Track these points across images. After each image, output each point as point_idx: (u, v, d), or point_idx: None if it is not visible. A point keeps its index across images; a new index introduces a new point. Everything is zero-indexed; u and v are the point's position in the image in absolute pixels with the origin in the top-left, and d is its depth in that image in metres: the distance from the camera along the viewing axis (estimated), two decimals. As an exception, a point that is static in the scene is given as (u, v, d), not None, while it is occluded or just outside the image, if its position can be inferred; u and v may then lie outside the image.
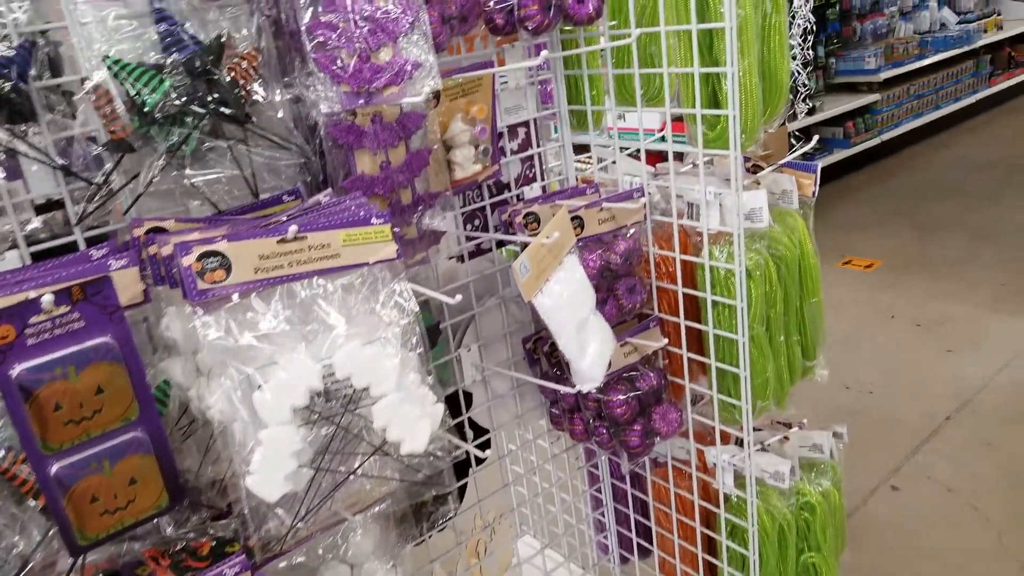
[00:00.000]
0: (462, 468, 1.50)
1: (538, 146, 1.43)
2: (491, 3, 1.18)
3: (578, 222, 1.25)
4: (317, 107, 0.94)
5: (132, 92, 0.88)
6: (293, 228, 0.82)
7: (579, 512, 1.88)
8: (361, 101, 0.93)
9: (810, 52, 5.04)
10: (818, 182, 1.28)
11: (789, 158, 1.31)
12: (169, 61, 0.87)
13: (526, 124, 1.41)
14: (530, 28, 1.18)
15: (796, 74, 4.97)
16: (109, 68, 0.87)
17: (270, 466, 0.82)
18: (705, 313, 1.31)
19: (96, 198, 0.95)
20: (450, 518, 1.44)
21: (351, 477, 0.89)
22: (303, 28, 0.92)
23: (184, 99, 0.88)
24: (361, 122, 0.99)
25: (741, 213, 1.20)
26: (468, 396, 1.50)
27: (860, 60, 5.47)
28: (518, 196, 1.43)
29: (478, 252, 1.42)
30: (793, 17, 4.72)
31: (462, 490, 1.56)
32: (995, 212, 4.63)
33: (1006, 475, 2.46)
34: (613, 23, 1.28)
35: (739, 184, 1.19)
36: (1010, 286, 3.69)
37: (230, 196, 1.01)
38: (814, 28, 4.99)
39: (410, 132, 1.03)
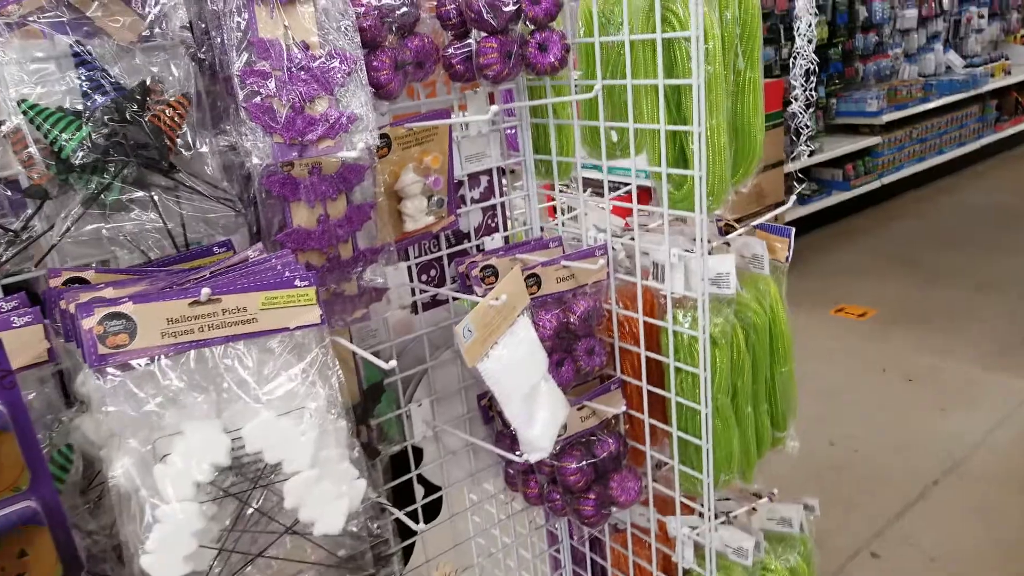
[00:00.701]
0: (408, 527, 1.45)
1: (501, 195, 1.40)
2: (449, 50, 1.15)
3: (535, 280, 1.21)
4: (250, 157, 0.91)
5: (49, 138, 0.84)
6: (206, 291, 0.79)
7: (539, 571, 1.83)
8: (294, 153, 0.90)
9: (813, 93, 5.05)
10: (792, 246, 1.25)
11: (763, 220, 1.28)
12: (88, 107, 0.84)
13: (489, 172, 1.38)
14: (489, 76, 1.16)
15: (799, 115, 4.98)
16: (24, 112, 0.84)
17: (168, 545, 0.77)
18: (668, 378, 1.27)
19: (12, 246, 0.91)
20: (395, 580, 1.39)
21: (261, 557, 0.84)
22: (235, 75, 0.89)
23: (103, 147, 0.84)
24: (298, 174, 0.96)
25: (706, 278, 1.17)
26: (418, 452, 1.46)
27: (862, 102, 5.50)
28: (478, 247, 1.39)
29: (435, 302, 1.39)
30: (795, 57, 4.74)
31: (409, 549, 1.50)
32: (997, 262, 4.62)
33: (994, 545, 2.40)
34: (579, 73, 1.26)
35: (704, 247, 1.16)
36: (1008, 342, 3.66)
37: (159, 246, 0.98)
38: (817, 68, 5.01)
39: (351, 185, 1.00)
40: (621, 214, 1.42)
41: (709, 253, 1.22)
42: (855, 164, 5.52)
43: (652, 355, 1.29)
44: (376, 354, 1.32)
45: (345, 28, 0.88)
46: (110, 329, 0.75)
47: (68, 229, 0.88)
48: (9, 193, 0.93)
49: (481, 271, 1.28)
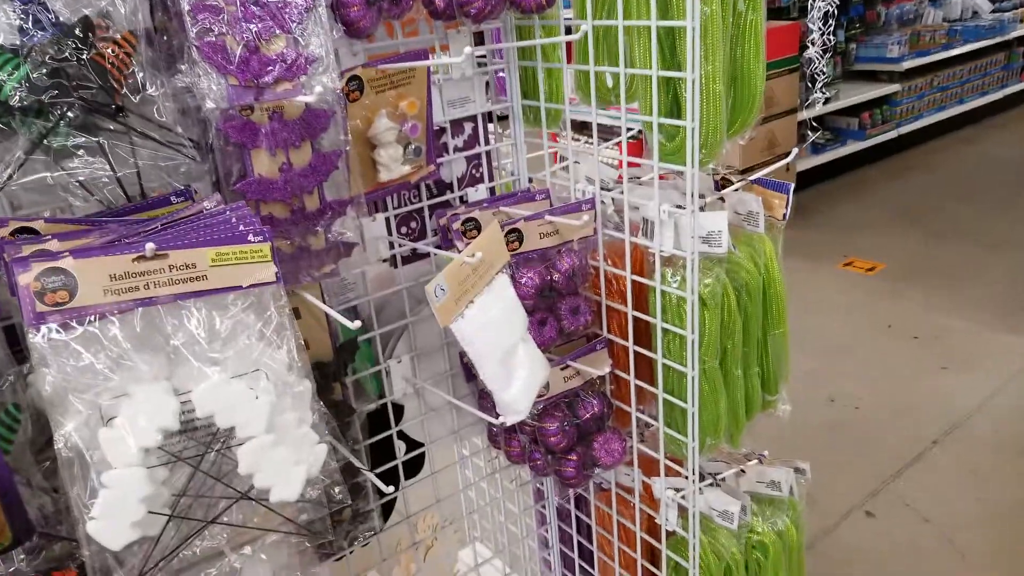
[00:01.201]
0: (393, 478, 1.44)
1: (486, 143, 1.35)
2: (429, -16, 1.08)
3: (516, 236, 1.17)
4: (205, 101, 0.86)
5: (-15, 76, 0.79)
6: (150, 246, 0.74)
7: (525, 525, 1.83)
8: (250, 97, 0.85)
9: (831, 37, 4.90)
10: (790, 203, 1.20)
11: (762, 173, 1.23)
12: (25, 44, 0.79)
13: (473, 119, 1.32)
14: (471, 14, 1.09)
15: (815, 60, 4.83)
16: (-43, 47, 0.79)
17: (114, 511, 0.75)
18: (655, 338, 1.23)
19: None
20: (374, 534, 1.38)
21: (215, 523, 0.82)
22: (185, 10, 0.83)
23: (42, 88, 0.79)
24: (258, 119, 0.91)
25: (696, 236, 1.12)
26: (399, 408, 1.43)
27: (883, 47, 5.33)
28: (461, 198, 1.34)
29: (416, 255, 1.34)
30: (813, -2, 4.57)
31: (390, 506, 1.49)
32: (1013, 219, 4.53)
33: (989, 508, 2.40)
34: (568, 13, 1.19)
35: (695, 203, 1.11)
36: (1018, 302, 3.60)
37: (114, 194, 0.93)
38: (836, 11, 4.85)
39: (316, 131, 0.94)
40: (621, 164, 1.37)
41: (701, 209, 1.17)
42: (872, 112, 5.37)
43: (640, 315, 1.25)
44: (352, 309, 1.29)
45: (304, -40, 0.82)
46: (48, 285, 0.72)
47: (11, 176, 0.83)
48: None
49: (463, 224, 1.23)
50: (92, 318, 0.73)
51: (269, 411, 0.78)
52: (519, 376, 1.07)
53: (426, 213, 1.31)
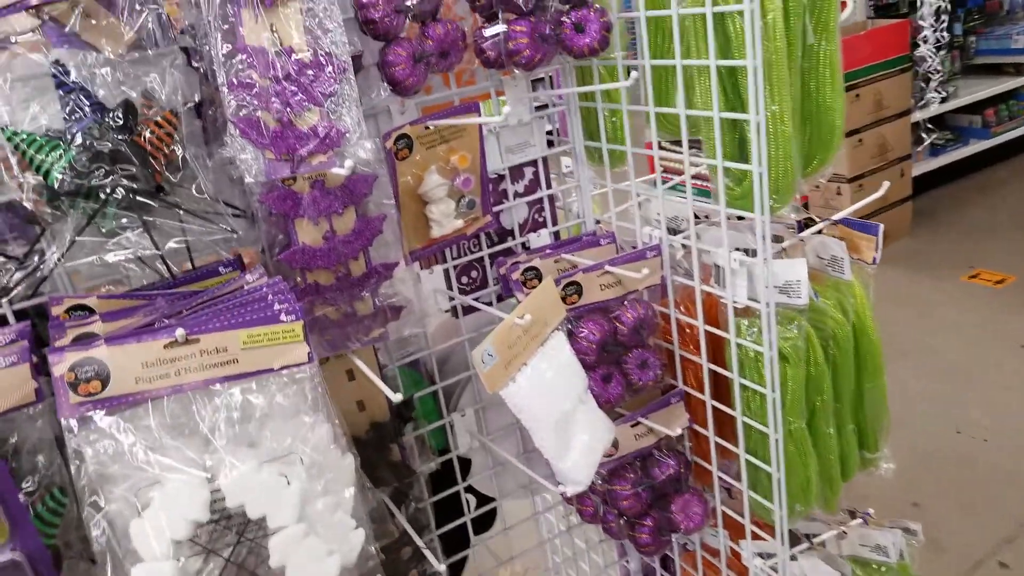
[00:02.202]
0: (462, 536, 1.41)
1: (548, 187, 1.31)
2: (480, 36, 1.06)
3: (575, 288, 1.12)
4: (245, 175, 0.86)
5: (33, 165, 0.82)
6: (180, 332, 0.75)
7: (612, 580, 1.76)
8: (286, 171, 0.84)
9: (944, 34, 4.59)
10: (880, 246, 1.10)
11: (844, 214, 1.13)
12: (68, 131, 0.81)
13: (534, 163, 1.28)
14: (521, 64, 1.06)
15: (928, 59, 4.54)
16: (9, 139, 0.82)
17: (149, 603, 0.75)
18: (733, 394, 1.15)
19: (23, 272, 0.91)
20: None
21: (255, 610, 0.81)
22: (222, 87, 0.83)
23: (84, 173, 0.81)
24: (299, 188, 0.91)
25: (772, 286, 1.04)
26: (466, 461, 1.41)
27: (1006, 38, 4.95)
28: (523, 244, 1.31)
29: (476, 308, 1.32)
30: (924, -8, 4.31)
31: (462, 564, 1.47)
32: None
33: None
34: (624, 53, 1.14)
35: (768, 251, 1.03)
36: None
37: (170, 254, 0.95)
38: (949, 7, 4.55)
39: (359, 197, 0.93)
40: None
41: (779, 255, 1.09)
42: (997, 109, 4.99)
43: (716, 368, 1.17)
44: (414, 364, 1.27)
45: (331, 28, 0.81)
46: (82, 376, 0.73)
47: (61, 257, 0.86)
48: (13, 219, 0.92)
49: (523, 274, 1.20)
50: (125, 407, 0.74)
51: (300, 499, 0.76)
52: (578, 442, 1.02)
53: (487, 261, 1.29)
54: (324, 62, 0.81)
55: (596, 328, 1.12)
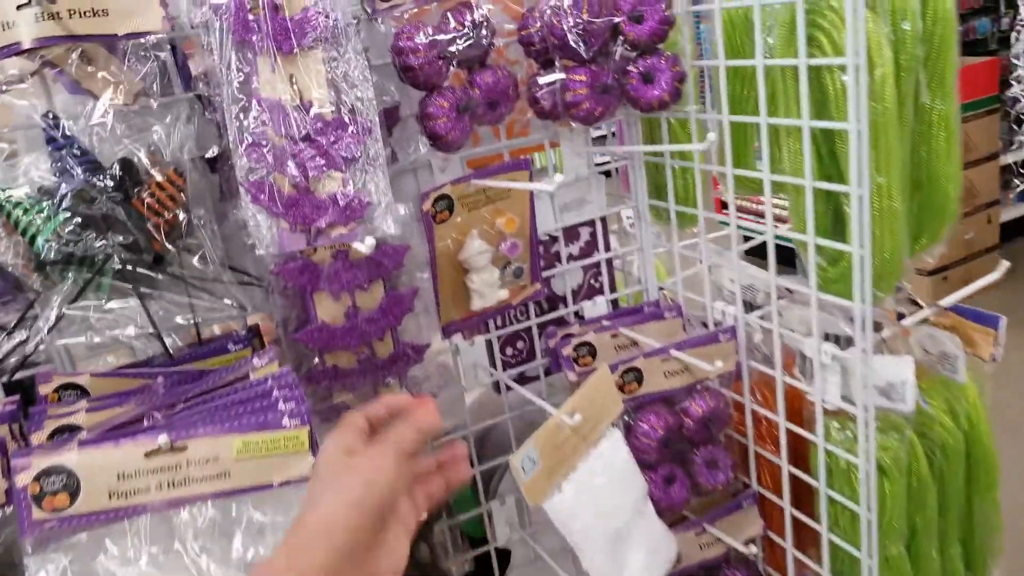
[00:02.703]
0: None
1: (607, 250, 1.18)
2: (534, 84, 0.95)
3: (634, 375, 0.98)
4: (257, 244, 0.75)
5: (19, 228, 0.73)
6: (163, 438, 0.64)
7: None
8: (302, 243, 0.73)
9: (1042, 68, 4.33)
10: (1002, 340, 0.93)
11: (955, 299, 0.97)
12: (56, 193, 0.72)
13: (591, 223, 1.16)
14: (579, 117, 0.94)
15: (1020, 98, 4.29)
16: (-8, 198, 0.73)
17: None
18: (818, 505, 0.99)
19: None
20: None
21: None
22: (233, 145, 0.73)
23: (76, 240, 0.72)
24: (319, 259, 0.80)
25: (871, 387, 0.89)
26: (505, 553, 1.27)
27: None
28: (576, 314, 1.18)
29: (524, 378, 1.19)
30: (1018, 30, 4.07)
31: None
32: None
33: None
34: (699, 107, 1.01)
35: (868, 347, 0.88)
36: None
37: (177, 332, 0.85)
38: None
39: (387, 270, 0.82)
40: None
41: (878, 347, 0.94)
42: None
43: (798, 473, 1.02)
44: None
45: (358, 81, 0.70)
46: (48, 487, 0.63)
47: (50, 330, 0.77)
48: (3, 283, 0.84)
49: (575, 350, 1.07)
50: (96, 525, 0.63)
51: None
52: (634, 562, 0.88)
53: (535, 332, 1.16)
54: (348, 120, 0.70)
55: (659, 422, 0.98)
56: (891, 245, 0.84)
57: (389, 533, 0.59)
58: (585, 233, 1.17)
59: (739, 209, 1.06)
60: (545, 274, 1.13)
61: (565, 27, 0.89)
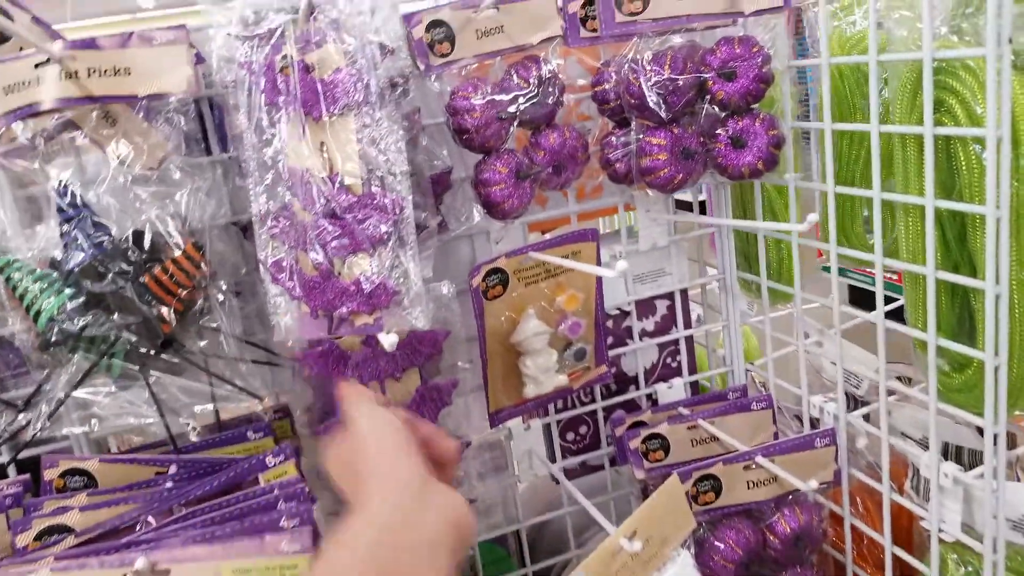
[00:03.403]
0: None
1: (687, 326, 1.05)
2: (608, 145, 0.84)
3: (711, 484, 0.85)
4: (276, 329, 0.67)
5: (25, 303, 0.67)
6: (142, 562, 0.55)
7: None
8: (323, 330, 0.65)
9: None
10: None
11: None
12: (63, 268, 0.66)
13: (669, 296, 1.04)
14: (657, 184, 0.83)
15: None
16: (1, 269, 0.68)
17: None
18: (929, 648, 0.83)
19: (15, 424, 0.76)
20: None
21: None
22: (254, 217, 0.66)
23: (83, 319, 0.65)
24: (348, 344, 0.71)
25: (1002, 520, 0.73)
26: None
27: None
28: (649, 397, 1.05)
29: (586, 467, 1.07)
30: None
31: None
32: None
33: None
34: (801, 175, 0.88)
35: (1001, 470, 0.72)
36: None
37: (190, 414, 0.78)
38: None
39: (423, 358, 0.73)
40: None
41: (1011, 469, 0.78)
42: None
43: (903, 605, 0.86)
44: (499, 537, 1.04)
45: (390, 153, 0.61)
46: (12, 612, 0.55)
47: (52, 415, 0.70)
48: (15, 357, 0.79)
49: (644, 442, 0.95)
50: (64, 657, 0.55)
51: None
52: None
53: (600, 415, 1.04)
54: (378, 197, 0.61)
55: (739, 540, 0.84)
56: (1034, 354, 0.69)
57: None
58: (662, 307, 1.05)
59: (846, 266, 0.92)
60: (614, 352, 1.01)
61: (644, 86, 0.78)
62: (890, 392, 0.86)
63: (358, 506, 0.49)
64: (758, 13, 0.78)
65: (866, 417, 0.94)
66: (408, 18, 0.74)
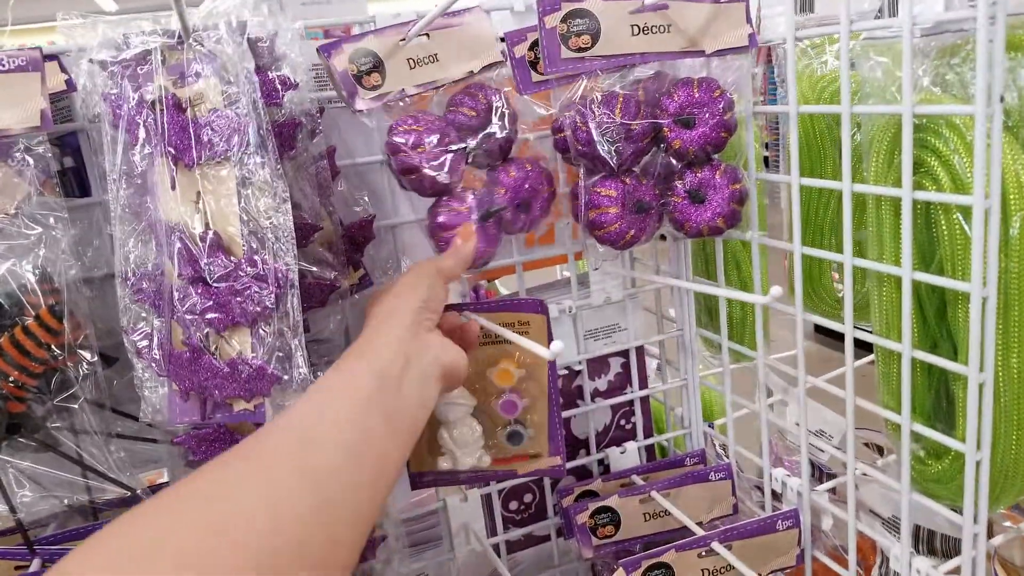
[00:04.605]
0: None
1: (642, 386, 0.96)
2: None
3: (662, 574, 0.76)
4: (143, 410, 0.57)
5: None
6: None
7: None
8: (195, 415, 0.54)
9: None
10: None
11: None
12: None
13: (624, 353, 0.94)
14: (607, 240, 0.73)
15: None
16: None
17: None
18: None
19: None
20: None
21: None
22: (117, 277, 0.55)
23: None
24: (238, 424, 0.61)
25: (982, 630, 0.64)
26: None
27: None
28: (600, 462, 0.96)
29: (530, 539, 0.97)
30: None
31: None
32: None
33: None
34: (763, 233, 0.79)
35: (980, 570, 0.64)
36: None
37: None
38: None
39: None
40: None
41: (989, 567, 0.69)
42: None
43: None
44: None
45: (274, 213, 0.51)
46: None
47: None
48: None
49: (593, 516, 0.86)
50: None
51: None
52: None
53: (546, 484, 0.94)
54: (260, 264, 0.51)
55: (687, 638, 0.75)
56: (1020, 449, 0.60)
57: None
58: (616, 364, 0.95)
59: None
60: (566, 415, 0.92)
61: (593, 131, 0.68)
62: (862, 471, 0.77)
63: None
64: (720, 53, 0.69)
65: (833, 489, 0.86)
66: (327, 49, 0.65)
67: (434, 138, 0.67)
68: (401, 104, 0.69)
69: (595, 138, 0.69)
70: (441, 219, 0.70)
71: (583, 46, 0.69)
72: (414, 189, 0.70)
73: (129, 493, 0.60)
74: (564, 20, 0.66)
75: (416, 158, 0.67)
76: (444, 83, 0.70)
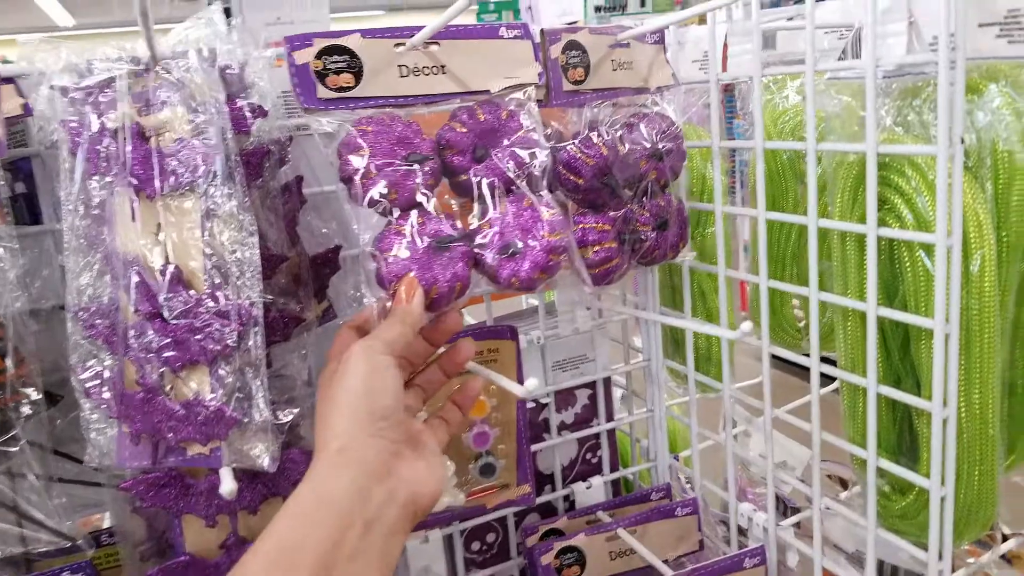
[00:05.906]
0: None
1: (609, 419, 0.96)
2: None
3: (626, 615, 0.75)
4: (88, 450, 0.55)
5: None
6: None
7: None
8: (146, 459, 0.53)
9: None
10: None
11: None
12: None
13: (591, 385, 0.94)
14: (609, 277, 0.71)
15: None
16: None
17: None
18: None
19: None
20: None
21: None
22: (68, 310, 0.54)
23: None
24: (192, 471, 0.59)
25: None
26: None
27: None
28: (566, 499, 0.95)
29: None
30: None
31: None
32: None
33: None
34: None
35: (946, 612, 0.64)
36: None
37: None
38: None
39: (291, 484, 0.61)
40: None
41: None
42: None
43: None
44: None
45: (239, 248, 0.50)
46: None
47: None
48: None
49: (558, 557, 0.85)
50: None
51: None
52: None
53: (510, 522, 0.93)
54: (222, 300, 0.50)
55: None
56: (981, 484, 0.62)
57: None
58: (583, 396, 0.95)
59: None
60: (534, 448, 0.91)
61: (583, 165, 0.68)
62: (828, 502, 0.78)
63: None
64: (659, 90, 0.71)
65: (798, 523, 0.87)
66: (294, 41, 0.57)
67: (384, 147, 0.57)
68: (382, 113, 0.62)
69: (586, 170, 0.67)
70: (387, 258, 0.58)
71: (578, 79, 0.68)
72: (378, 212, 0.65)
73: (68, 543, 0.58)
74: (563, 51, 0.66)
75: (351, 167, 0.56)
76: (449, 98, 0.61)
